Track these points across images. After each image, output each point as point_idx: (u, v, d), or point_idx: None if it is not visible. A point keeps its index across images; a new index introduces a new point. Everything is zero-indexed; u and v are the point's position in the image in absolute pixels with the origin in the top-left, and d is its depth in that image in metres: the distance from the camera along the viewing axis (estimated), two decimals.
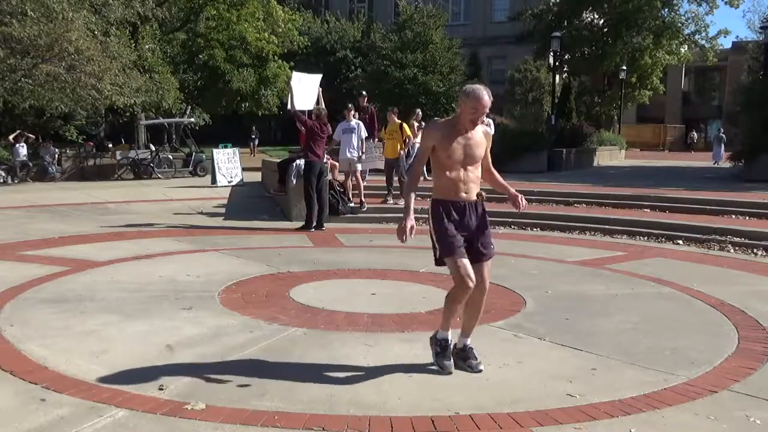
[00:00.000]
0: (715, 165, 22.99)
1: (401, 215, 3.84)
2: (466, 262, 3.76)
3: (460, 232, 3.80)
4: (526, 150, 16.84)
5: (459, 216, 3.81)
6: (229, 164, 17.52)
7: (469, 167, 3.82)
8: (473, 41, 34.02)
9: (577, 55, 28.41)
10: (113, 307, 5.24)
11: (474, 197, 3.84)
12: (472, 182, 3.85)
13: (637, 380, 3.85)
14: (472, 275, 3.74)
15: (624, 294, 6.06)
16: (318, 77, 11.62)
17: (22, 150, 19.02)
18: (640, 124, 44.00)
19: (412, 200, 3.86)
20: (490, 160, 3.99)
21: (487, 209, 3.90)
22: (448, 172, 3.81)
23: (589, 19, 28.37)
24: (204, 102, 27.52)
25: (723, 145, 24.87)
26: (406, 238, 3.71)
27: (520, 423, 3.26)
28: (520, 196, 3.93)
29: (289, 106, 10.67)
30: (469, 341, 4.05)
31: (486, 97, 3.71)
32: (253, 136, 31.59)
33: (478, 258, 3.85)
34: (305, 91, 11.11)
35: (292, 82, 11.32)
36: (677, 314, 5.39)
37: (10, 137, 19.35)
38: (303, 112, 10.30)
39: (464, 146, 3.78)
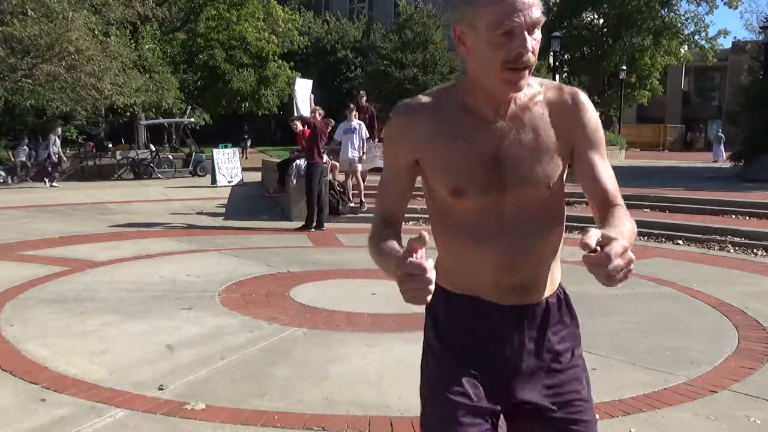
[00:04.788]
0: (715, 163, 23.00)
1: None
2: None
3: (472, 375, 1.53)
4: None
5: (479, 337, 1.56)
6: (229, 164, 17.52)
7: (516, 216, 1.51)
8: None
9: (577, 55, 28.44)
10: (113, 307, 5.24)
11: (536, 299, 1.56)
12: (527, 257, 1.53)
13: (637, 380, 3.85)
14: None
15: (624, 294, 6.05)
16: (309, 82, 11.72)
17: (23, 151, 19.07)
18: (640, 124, 43.94)
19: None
20: (601, 175, 1.55)
21: None
22: (454, 231, 1.56)
23: (588, 19, 28.40)
24: (204, 102, 27.52)
25: (722, 145, 24.93)
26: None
27: None
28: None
29: (297, 113, 10.75)
30: None
31: None
32: (246, 137, 28.54)
33: None
34: (303, 95, 11.21)
35: (296, 88, 11.39)
36: (677, 314, 5.39)
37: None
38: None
39: (493, 150, 1.47)
